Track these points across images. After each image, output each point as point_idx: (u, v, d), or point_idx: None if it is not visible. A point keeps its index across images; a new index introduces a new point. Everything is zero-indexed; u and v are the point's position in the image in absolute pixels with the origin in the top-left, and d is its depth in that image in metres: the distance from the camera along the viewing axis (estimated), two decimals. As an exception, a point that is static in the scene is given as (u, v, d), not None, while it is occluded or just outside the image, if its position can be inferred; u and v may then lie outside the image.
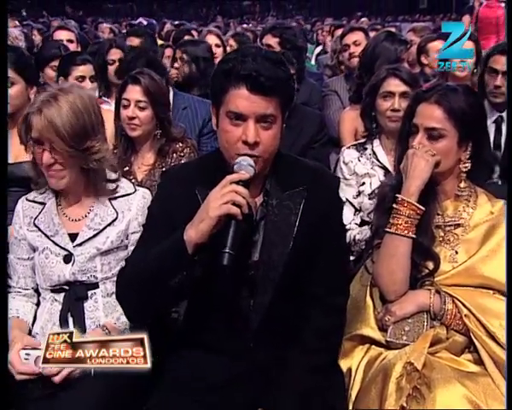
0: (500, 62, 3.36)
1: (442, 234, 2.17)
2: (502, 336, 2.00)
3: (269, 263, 1.89)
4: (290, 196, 1.92)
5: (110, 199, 2.23)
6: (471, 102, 2.16)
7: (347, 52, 4.73)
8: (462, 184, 2.18)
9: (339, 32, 6.97)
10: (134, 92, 2.95)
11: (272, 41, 4.45)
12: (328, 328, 1.98)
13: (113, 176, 2.26)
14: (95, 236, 2.18)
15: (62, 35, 5.14)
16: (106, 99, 4.22)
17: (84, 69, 3.85)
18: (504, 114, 3.43)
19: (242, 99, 1.78)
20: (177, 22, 10.46)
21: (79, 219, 2.22)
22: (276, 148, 1.88)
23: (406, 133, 2.22)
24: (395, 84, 2.96)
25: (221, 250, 1.68)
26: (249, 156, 1.80)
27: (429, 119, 2.12)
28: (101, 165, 2.17)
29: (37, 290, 2.28)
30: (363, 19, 10.17)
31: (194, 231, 1.73)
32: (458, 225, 2.17)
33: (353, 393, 2.04)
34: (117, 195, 2.24)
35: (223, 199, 1.70)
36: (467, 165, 2.16)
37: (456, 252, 2.14)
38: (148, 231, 1.99)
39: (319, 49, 7.87)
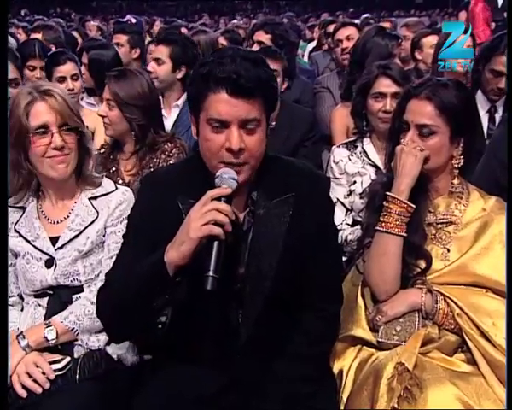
0: (505, 64, 3.31)
1: (434, 232, 2.15)
2: (494, 335, 1.98)
3: (257, 275, 1.82)
4: (278, 205, 1.84)
5: (90, 199, 2.21)
6: (462, 98, 2.13)
7: (340, 47, 4.70)
8: (456, 181, 2.16)
9: (331, 27, 6.96)
10: (106, 90, 2.94)
11: (264, 37, 4.41)
12: (320, 334, 1.93)
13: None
14: (76, 237, 2.16)
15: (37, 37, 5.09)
16: (87, 99, 4.20)
17: (65, 69, 3.82)
18: (497, 104, 3.41)
19: (223, 104, 1.69)
20: (165, 20, 10.42)
21: (60, 221, 2.20)
22: (262, 153, 1.80)
23: (397, 130, 2.19)
24: (386, 85, 2.92)
25: (204, 274, 1.60)
26: (234, 165, 1.72)
27: (420, 115, 2.09)
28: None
29: (21, 296, 2.25)
30: (365, 15, 10.00)
31: (175, 253, 1.64)
32: (450, 223, 2.15)
33: (345, 395, 2.02)
34: (97, 194, 2.22)
35: (204, 219, 1.61)
36: (459, 161, 2.13)
37: (448, 250, 2.12)
38: (129, 243, 1.90)
39: (312, 45, 7.82)
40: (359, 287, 2.17)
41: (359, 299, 2.16)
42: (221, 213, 1.62)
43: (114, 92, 2.89)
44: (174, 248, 1.65)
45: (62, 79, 3.76)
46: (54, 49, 4.90)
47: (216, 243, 1.61)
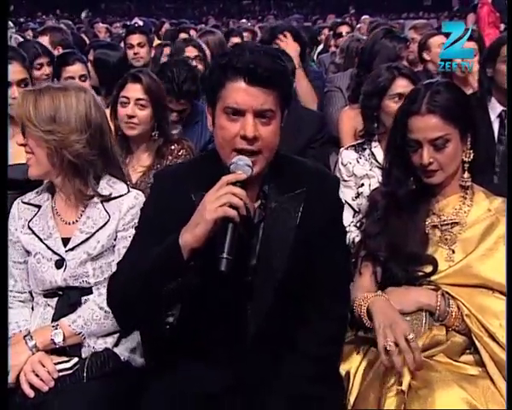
0: None
1: (439, 234, 2.15)
2: (502, 336, 1.97)
3: (267, 268, 1.84)
4: (289, 199, 1.87)
5: (103, 201, 2.19)
6: (456, 95, 2.15)
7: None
8: (466, 175, 2.17)
9: (342, 28, 6.97)
10: (134, 90, 2.94)
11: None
12: (329, 336, 1.92)
13: (110, 182, 2.22)
14: (87, 239, 2.15)
15: (44, 41, 5.10)
16: None
17: (73, 69, 3.84)
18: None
19: (240, 92, 1.73)
20: (175, 22, 10.46)
21: (73, 223, 2.20)
22: (276, 146, 1.83)
23: (400, 148, 2.18)
24: (405, 86, 2.90)
25: (218, 255, 1.62)
26: (247, 153, 1.75)
27: (430, 130, 2.08)
28: (69, 155, 2.10)
29: (32, 294, 2.25)
30: (364, 16, 10.15)
31: (190, 236, 1.67)
32: (455, 224, 2.15)
33: (352, 398, 2.00)
34: (110, 197, 2.20)
35: (219, 201, 1.64)
36: (469, 154, 2.15)
37: (453, 251, 2.12)
38: (142, 234, 1.92)
39: (320, 47, 7.83)
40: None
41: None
42: (236, 196, 1.65)
43: (149, 90, 2.91)
44: (189, 230, 1.68)
45: (71, 80, 3.75)
46: (60, 50, 4.94)
47: (230, 226, 1.64)
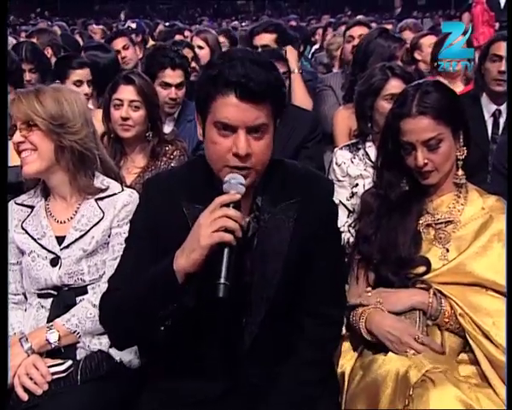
0: (504, 48, 3.31)
1: (433, 233, 2.16)
2: (495, 334, 1.98)
3: (262, 281, 1.80)
4: (282, 210, 1.81)
5: (97, 200, 2.21)
6: (446, 94, 2.16)
7: (351, 44, 4.62)
8: (460, 172, 2.17)
9: (342, 28, 6.97)
10: (127, 92, 2.93)
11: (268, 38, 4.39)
12: (323, 339, 1.90)
13: (104, 181, 2.25)
14: (81, 237, 2.16)
15: None
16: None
17: (82, 73, 3.81)
18: (502, 108, 3.41)
19: (231, 108, 1.65)
20: (168, 23, 10.49)
21: (66, 221, 2.20)
22: (269, 157, 1.77)
23: (392, 152, 2.19)
24: (398, 86, 2.87)
25: (215, 281, 1.57)
26: (240, 169, 1.69)
27: (422, 132, 2.09)
28: (80, 147, 2.15)
29: (26, 296, 2.25)
30: (358, 17, 10.18)
31: (185, 261, 1.61)
32: (449, 222, 2.15)
33: (346, 397, 2.01)
34: (104, 195, 2.22)
35: (214, 226, 1.58)
36: (462, 152, 2.15)
37: (447, 250, 2.12)
38: (132, 247, 1.88)
39: (315, 47, 7.86)
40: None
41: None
42: (231, 219, 1.59)
43: (142, 91, 2.92)
44: (184, 255, 1.62)
45: (79, 83, 3.74)
46: (50, 51, 4.92)
47: (226, 250, 1.59)
